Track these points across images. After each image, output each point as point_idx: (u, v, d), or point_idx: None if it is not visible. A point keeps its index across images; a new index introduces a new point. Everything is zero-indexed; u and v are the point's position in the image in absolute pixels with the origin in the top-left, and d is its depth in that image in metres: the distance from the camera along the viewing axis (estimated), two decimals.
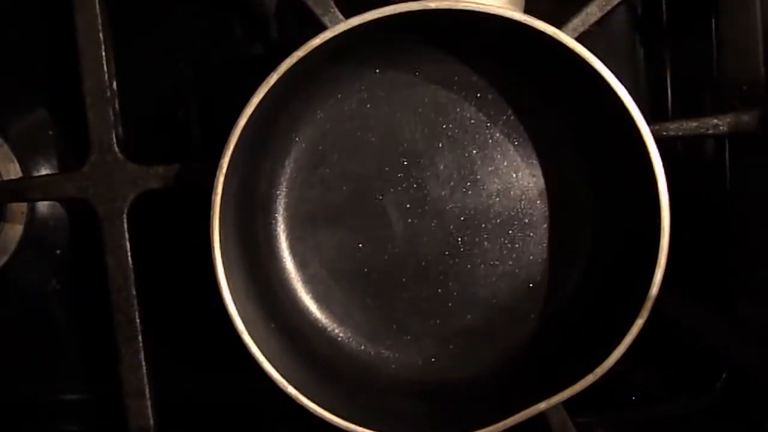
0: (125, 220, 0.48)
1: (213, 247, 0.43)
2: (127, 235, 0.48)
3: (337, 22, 0.44)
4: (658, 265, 0.42)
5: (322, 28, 0.43)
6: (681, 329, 0.52)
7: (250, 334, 0.43)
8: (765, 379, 0.48)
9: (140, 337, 0.48)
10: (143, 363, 0.48)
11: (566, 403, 0.45)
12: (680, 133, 0.45)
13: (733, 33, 0.50)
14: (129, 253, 0.48)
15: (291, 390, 0.43)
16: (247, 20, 0.55)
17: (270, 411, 0.55)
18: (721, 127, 0.46)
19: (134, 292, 0.48)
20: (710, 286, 0.53)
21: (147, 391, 0.48)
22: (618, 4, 0.45)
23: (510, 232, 0.49)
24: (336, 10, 0.45)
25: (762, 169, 0.50)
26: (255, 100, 0.42)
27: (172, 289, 0.54)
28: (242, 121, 0.42)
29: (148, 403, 0.48)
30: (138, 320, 0.48)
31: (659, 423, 0.54)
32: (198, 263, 0.54)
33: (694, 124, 0.46)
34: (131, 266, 0.48)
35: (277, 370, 0.43)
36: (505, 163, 0.49)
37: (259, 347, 0.43)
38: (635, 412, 0.54)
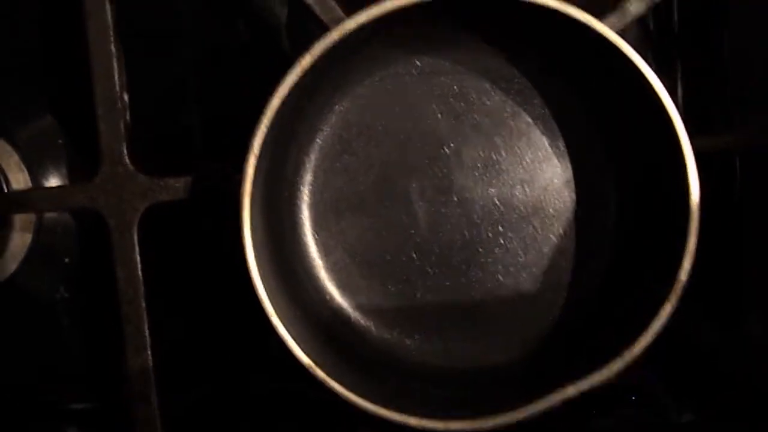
0: (135, 233, 0.48)
1: (242, 230, 0.42)
2: (137, 248, 0.48)
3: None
4: (687, 251, 0.42)
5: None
6: (686, 341, 0.52)
7: (277, 315, 0.43)
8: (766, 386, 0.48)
9: (149, 349, 0.48)
10: (152, 373, 0.48)
11: (566, 402, 0.45)
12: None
13: (745, 48, 0.50)
14: (139, 266, 0.48)
15: (318, 372, 0.43)
16: (259, 31, 0.54)
17: (274, 419, 0.56)
18: (733, 144, 0.46)
19: (144, 304, 0.48)
20: (717, 299, 0.53)
21: (154, 401, 0.48)
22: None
23: (534, 221, 0.49)
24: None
25: None
26: (290, 80, 0.42)
27: (180, 300, 0.54)
28: (275, 101, 0.42)
29: (156, 413, 0.48)
30: (147, 331, 0.48)
31: (660, 423, 0.54)
32: (207, 275, 0.54)
33: (706, 141, 0.46)
34: (141, 279, 0.48)
35: (304, 352, 0.43)
36: (530, 154, 0.49)
37: (286, 329, 0.43)
38: (635, 412, 0.54)
